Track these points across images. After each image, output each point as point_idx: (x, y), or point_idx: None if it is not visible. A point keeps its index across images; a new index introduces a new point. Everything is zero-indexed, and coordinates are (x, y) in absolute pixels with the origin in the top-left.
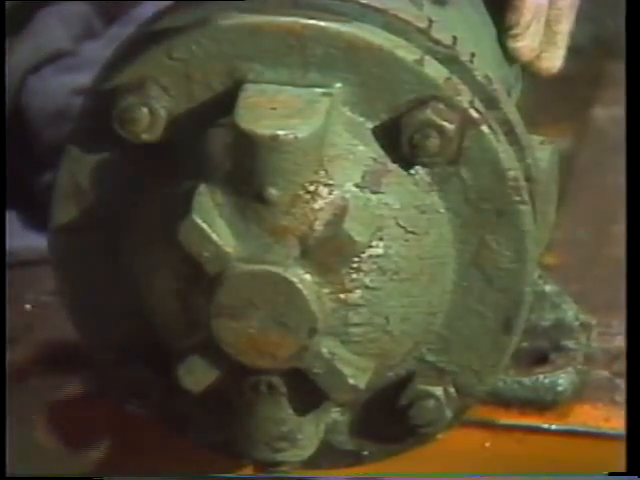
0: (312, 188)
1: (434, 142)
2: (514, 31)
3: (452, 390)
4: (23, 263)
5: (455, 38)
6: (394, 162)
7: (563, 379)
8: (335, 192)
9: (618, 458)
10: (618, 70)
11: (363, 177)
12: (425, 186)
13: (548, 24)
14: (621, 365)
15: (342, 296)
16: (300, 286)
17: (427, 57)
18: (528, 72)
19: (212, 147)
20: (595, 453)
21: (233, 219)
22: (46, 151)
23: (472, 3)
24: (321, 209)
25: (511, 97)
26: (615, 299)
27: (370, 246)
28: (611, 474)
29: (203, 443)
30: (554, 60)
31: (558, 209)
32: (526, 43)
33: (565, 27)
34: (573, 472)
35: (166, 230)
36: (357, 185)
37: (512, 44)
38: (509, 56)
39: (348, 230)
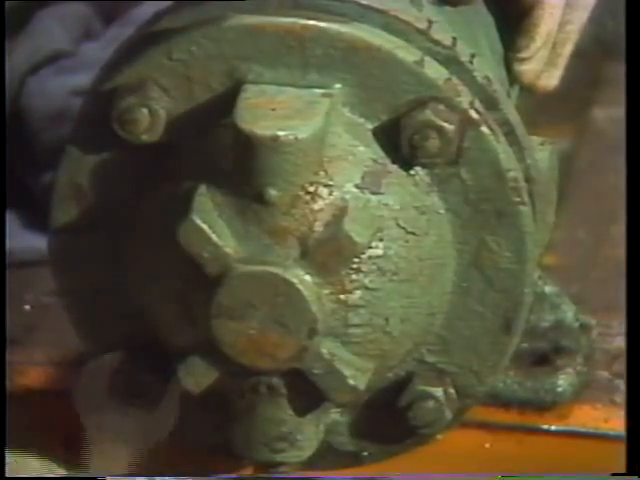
0: (312, 189)
1: (434, 143)
2: (522, 55)
3: (452, 391)
4: (23, 263)
5: (455, 39)
6: (394, 163)
7: (563, 380)
8: (335, 193)
9: (618, 459)
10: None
11: (363, 178)
12: (425, 187)
13: (553, 46)
14: (621, 366)
15: (342, 297)
16: (300, 287)
17: (427, 58)
18: (524, 89)
19: (212, 148)
20: (595, 454)
21: (233, 220)
22: (45, 152)
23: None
24: (321, 210)
25: (510, 98)
26: (615, 300)
27: (370, 247)
28: (613, 475)
29: (203, 444)
30: (552, 79)
31: (558, 210)
32: (532, 67)
33: (569, 49)
34: (573, 473)
35: (166, 231)
36: (357, 186)
37: (518, 67)
38: (512, 76)
39: (348, 231)
